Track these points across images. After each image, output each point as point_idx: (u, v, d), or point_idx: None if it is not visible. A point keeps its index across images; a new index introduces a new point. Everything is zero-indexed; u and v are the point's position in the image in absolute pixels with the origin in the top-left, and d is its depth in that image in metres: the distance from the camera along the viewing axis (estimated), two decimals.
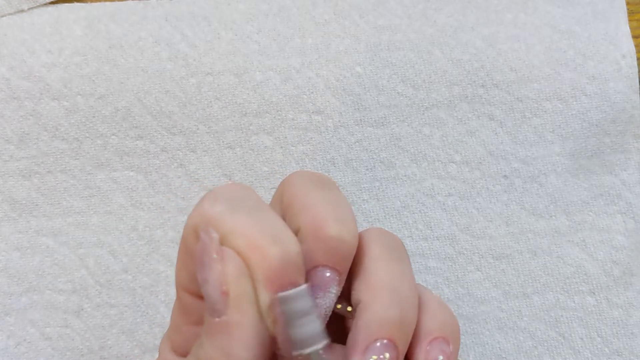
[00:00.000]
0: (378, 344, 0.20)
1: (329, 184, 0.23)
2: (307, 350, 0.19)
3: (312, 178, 0.23)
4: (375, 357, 0.20)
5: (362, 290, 0.21)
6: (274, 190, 0.34)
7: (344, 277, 0.21)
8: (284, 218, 0.22)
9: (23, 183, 0.34)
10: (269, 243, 0.19)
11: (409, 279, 0.21)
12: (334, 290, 0.21)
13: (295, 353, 0.19)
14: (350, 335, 0.21)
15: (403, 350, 0.20)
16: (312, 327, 0.19)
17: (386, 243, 0.22)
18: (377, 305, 0.20)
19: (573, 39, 0.35)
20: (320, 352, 0.19)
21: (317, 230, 0.20)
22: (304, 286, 0.20)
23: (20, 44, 0.34)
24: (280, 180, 0.34)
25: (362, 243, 0.22)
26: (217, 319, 0.19)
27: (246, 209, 0.20)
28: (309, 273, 0.20)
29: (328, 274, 0.20)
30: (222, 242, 0.20)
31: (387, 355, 0.20)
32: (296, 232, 0.21)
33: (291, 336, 0.19)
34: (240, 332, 0.19)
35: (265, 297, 0.19)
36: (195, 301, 0.22)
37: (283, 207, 0.22)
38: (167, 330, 0.24)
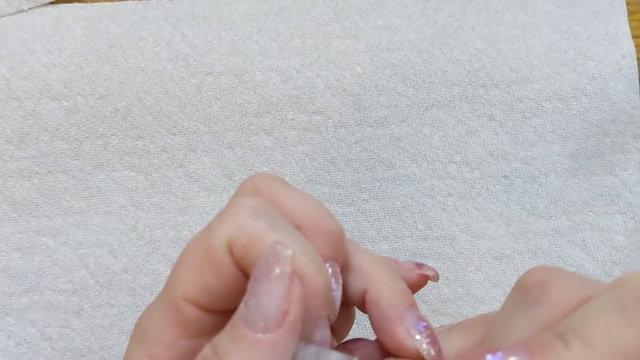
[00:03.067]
0: (407, 311, 0.22)
1: (288, 182, 0.24)
2: None
3: (276, 178, 0.23)
4: (413, 320, 0.21)
5: (362, 278, 0.22)
6: None
7: (340, 269, 0.22)
8: None
9: (23, 183, 0.34)
10: (317, 272, 0.20)
11: (379, 255, 0.24)
12: (340, 281, 0.21)
13: None
14: (377, 320, 0.22)
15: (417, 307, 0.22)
16: (334, 358, 0.20)
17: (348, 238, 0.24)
18: (386, 283, 0.22)
19: (573, 39, 0.35)
20: None
21: (320, 227, 0.21)
22: (300, 343, 0.20)
23: (20, 44, 0.34)
24: None
25: None
26: (260, 335, 0.19)
27: (286, 228, 0.20)
28: None
29: (333, 266, 0.21)
30: None
31: (418, 313, 0.22)
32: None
33: None
34: (281, 354, 0.19)
35: (311, 328, 0.20)
36: (201, 315, 0.21)
37: None
38: (142, 340, 0.22)
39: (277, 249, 0.19)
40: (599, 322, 0.17)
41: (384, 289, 0.22)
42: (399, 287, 0.22)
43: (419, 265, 0.24)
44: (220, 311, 0.21)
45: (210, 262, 0.20)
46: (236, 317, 0.19)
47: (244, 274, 0.20)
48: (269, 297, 0.19)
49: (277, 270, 0.19)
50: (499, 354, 0.17)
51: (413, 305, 0.22)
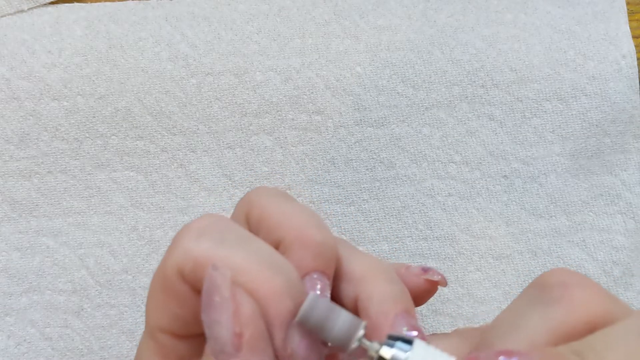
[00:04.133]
0: (399, 318, 0.20)
1: (289, 196, 0.23)
2: (357, 338, 0.19)
3: (273, 192, 0.23)
4: (402, 327, 0.20)
5: (355, 285, 0.21)
6: None
7: (331, 280, 0.21)
8: (255, 234, 0.21)
9: (23, 183, 0.34)
10: (271, 275, 0.19)
11: (378, 259, 0.23)
12: (328, 294, 0.21)
13: (349, 350, 0.19)
14: (368, 328, 0.20)
15: (415, 315, 0.21)
16: (343, 317, 0.19)
17: (345, 242, 0.23)
18: (379, 288, 0.21)
19: (573, 39, 0.35)
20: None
21: (303, 239, 0.20)
22: (311, 294, 0.19)
23: (20, 44, 0.34)
24: (281, 180, 0.34)
25: None
26: None
27: (234, 241, 0.20)
28: (302, 280, 0.20)
29: (320, 279, 0.21)
30: None
31: (412, 321, 0.21)
32: (276, 245, 0.21)
33: (336, 339, 0.19)
34: None
35: (280, 333, 0.19)
36: (177, 343, 0.21)
37: (251, 224, 0.22)
38: None
39: (213, 276, 0.19)
40: (620, 348, 0.17)
41: (374, 294, 0.21)
42: (393, 292, 0.21)
43: (426, 270, 0.23)
44: (199, 334, 0.20)
45: (168, 292, 0.20)
46: (206, 346, 0.19)
47: None
48: (219, 325, 0.18)
49: (217, 299, 0.18)
50: (514, 359, 0.17)
51: (407, 312, 0.21)
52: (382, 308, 0.21)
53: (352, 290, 0.21)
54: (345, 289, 0.22)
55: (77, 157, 0.34)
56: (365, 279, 0.21)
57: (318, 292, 0.20)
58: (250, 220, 0.22)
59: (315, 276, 0.20)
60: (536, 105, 0.35)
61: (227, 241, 0.20)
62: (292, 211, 0.21)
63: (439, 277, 0.23)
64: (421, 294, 0.23)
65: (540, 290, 0.20)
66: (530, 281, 0.34)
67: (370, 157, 0.35)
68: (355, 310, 0.21)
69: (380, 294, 0.21)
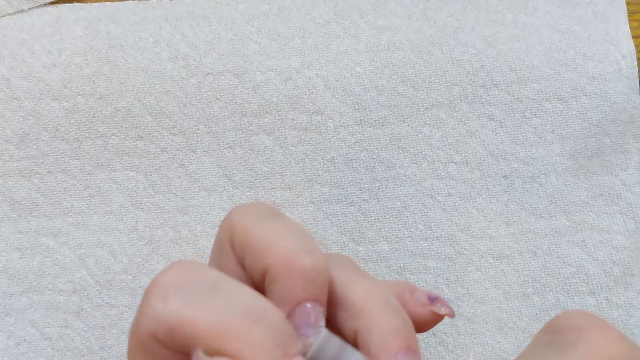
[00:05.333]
0: (401, 355, 0.19)
1: (275, 212, 0.21)
2: None
3: (256, 211, 0.21)
4: None
5: (353, 316, 0.20)
6: (274, 190, 0.34)
7: (325, 307, 0.20)
8: (241, 261, 0.20)
9: (23, 183, 0.34)
10: (250, 326, 0.17)
11: (379, 285, 0.21)
12: (322, 323, 0.19)
13: None
14: None
15: (418, 349, 0.20)
16: (356, 357, 0.18)
17: (343, 264, 0.21)
18: (379, 321, 0.19)
19: (573, 39, 0.35)
20: None
21: (291, 266, 0.19)
22: (323, 332, 0.18)
23: (20, 44, 0.34)
24: (281, 180, 0.34)
25: None
26: None
27: (204, 294, 0.18)
28: (293, 312, 0.19)
29: (313, 308, 0.19)
30: (196, 343, 0.18)
31: (414, 358, 0.19)
32: (263, 273, 0.20)
33: None
34: None
35: None
36: None
37: (236, 249, 0.21)
38: None
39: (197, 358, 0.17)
40: None
41: (375, 329, 0.19)
42: (395, 325, 0.19)
43: (433, 300, 0.22)
44: None
45: (148, 354, 0.19)
46: None
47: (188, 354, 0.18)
48: None
49: None
50: None
51: (410, 349, 0.19)
52: (383, 345, 0.19)
53: (350, 321, 0.20)
54: (343, 319, 0.20)
55: (77, 157, 0.34)
56: (364, 310, 0.20)
57: (322, 329, 0.19)
58: (234, 245, 0.21)
59: (308, 306, 0.19)
60: (536, 105, 0.35)
61: (196, 296, 0.18)
62: (277, 233, 0.20)
63: (447, 310, 0.22)
64: (425, 323, 0.22)
65: (555, 334, 0.19)
66: (530, 281, 0.34)
67: (370, 157, 0.35)
68: (354, 343, 0.20)
69: (380, 329, 0.19)
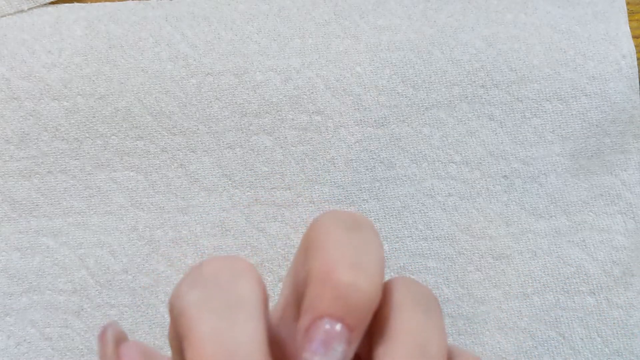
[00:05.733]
0: None
1: (362, 225, 0.19)
2: None
3: (342, 218, 0.19)
4: None
5: (380, 345, 0.17)
6: (274, 190, 0.34)
7: (358, 335, 0.17)
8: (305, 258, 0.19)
9: (23, 183, 0.34)
10: None
11: (438, 334, 0.18)
12: (340, 349, 0.16)
13: None
14: None
15: None
16: None
17: (413, 291, 0.19)
18: None
19: (573, 39, 0.35)
20: None
21: (326, 275, 0.17)
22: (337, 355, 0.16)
23: (20, 44, 0.34)
24: (281, 180, 0.34)
25: (385, 293, 0.18)
26: None
27: (221, 305, 0.17)
28: (310, 325, 0.17)
29: (334, 328, 0.17)
30: (179, 335, 0.17)
31: None
32: (305, 278, 0.18)
33: None
34: None
35: None
36: None
37: (303, 248, 0.19)
38: None
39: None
40: None
41: None
42: None
43: None
44: None
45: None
46: None
47: None
48: None
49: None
50: None
51: None
52: None
53: (376, 351, 0.17)
54: (374, 345, 0.18)
55: (77, 157, 0.34)
56: (393, 348, 0.17)
57: (338, 353, 0.16)
58: (306, 246, 0.19)
59: (324, 323, 0.17)
60: (536, 105, 0.35)
61: (214, 303, 0.17)
62: (334, 243, 0.18)
63: None
64: None
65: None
66: (530, 281, 0.34)
67: (370, 157, 0.35)
68: None
69: None
